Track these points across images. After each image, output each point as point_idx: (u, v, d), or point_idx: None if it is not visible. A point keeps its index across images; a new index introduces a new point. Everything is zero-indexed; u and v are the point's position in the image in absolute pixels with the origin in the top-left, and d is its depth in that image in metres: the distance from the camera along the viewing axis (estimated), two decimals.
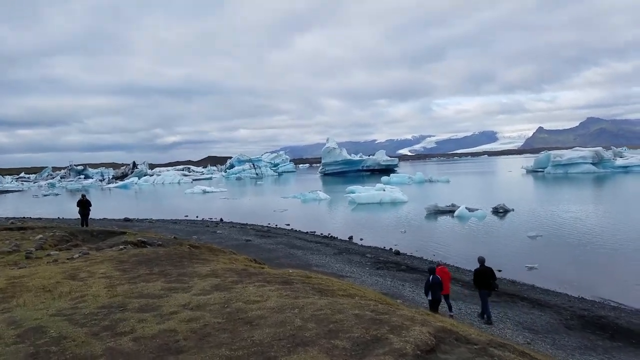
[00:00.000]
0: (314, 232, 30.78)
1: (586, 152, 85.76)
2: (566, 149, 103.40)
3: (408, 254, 21.95)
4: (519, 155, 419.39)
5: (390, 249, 23.72)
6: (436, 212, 36.02)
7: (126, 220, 38.51)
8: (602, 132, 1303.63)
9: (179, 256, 9.57)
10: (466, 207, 33.91)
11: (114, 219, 38.98)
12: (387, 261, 19.69)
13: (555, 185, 61.96)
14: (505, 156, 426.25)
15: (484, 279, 11.66)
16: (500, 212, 34.12)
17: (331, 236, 28.75)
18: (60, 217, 43.19)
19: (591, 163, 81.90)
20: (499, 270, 17.80)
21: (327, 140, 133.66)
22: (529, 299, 13.32)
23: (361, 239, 27.01)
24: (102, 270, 8.60)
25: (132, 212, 46.44)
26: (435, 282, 10.99)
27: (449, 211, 35.51)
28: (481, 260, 11.96)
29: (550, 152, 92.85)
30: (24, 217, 43.10)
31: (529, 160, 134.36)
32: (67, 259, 10.49)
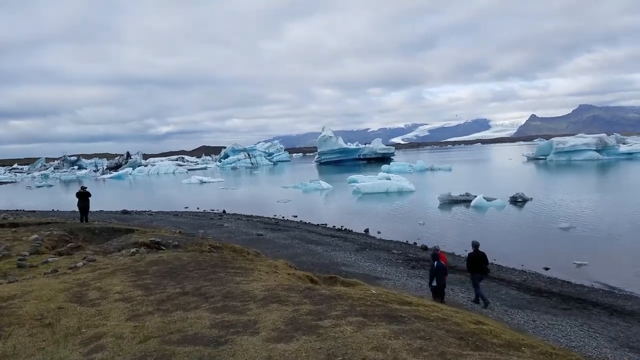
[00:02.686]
0: (325, 224, 29.06)
1: (590, 138, 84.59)
2: (560, 136, 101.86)
3: None
4: (512, 143, 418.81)
5: (415, 243, 22.01)
6: (450, 202, 34.34)
7: (124, 212, 36.43)
8: (595, 119, 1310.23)
9: (210, 265, 7.69)
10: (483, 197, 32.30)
11: (111, 212, 36.90)
12: (419, 258, 17.93)
13: (562, 172, 60.66)
14: (499, 144, 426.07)
15: (477, 264, 11.83)
16: (519, 201, 32.50)
17: (345, 229, 26.99)
18: (55, 210, 41.05)
19: (594, 150, 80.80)
20: (547, 269, 16.21)
21: (323, 129, 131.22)
22: (601, 305, 11.68)
23: (379, 232, 25.29)
24: (117, 287, 6.73)
25: (130, 204, 44.28)
26: (440, 267, 11.07)
27: (464, 201, 33.87)
28: (475, 245, 12.10)
29: (552, 139, 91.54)
30: (17, 210, 40.88)
31: (523, 148, 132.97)
32: (69, 268, 8.60)
